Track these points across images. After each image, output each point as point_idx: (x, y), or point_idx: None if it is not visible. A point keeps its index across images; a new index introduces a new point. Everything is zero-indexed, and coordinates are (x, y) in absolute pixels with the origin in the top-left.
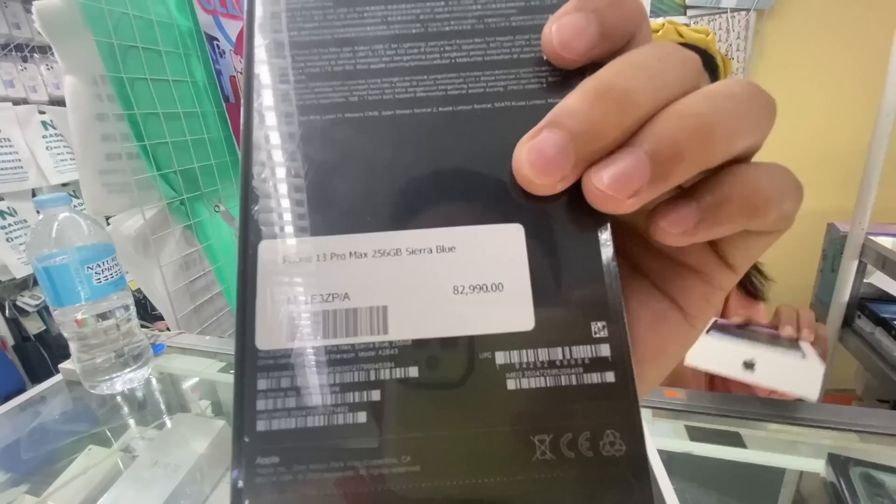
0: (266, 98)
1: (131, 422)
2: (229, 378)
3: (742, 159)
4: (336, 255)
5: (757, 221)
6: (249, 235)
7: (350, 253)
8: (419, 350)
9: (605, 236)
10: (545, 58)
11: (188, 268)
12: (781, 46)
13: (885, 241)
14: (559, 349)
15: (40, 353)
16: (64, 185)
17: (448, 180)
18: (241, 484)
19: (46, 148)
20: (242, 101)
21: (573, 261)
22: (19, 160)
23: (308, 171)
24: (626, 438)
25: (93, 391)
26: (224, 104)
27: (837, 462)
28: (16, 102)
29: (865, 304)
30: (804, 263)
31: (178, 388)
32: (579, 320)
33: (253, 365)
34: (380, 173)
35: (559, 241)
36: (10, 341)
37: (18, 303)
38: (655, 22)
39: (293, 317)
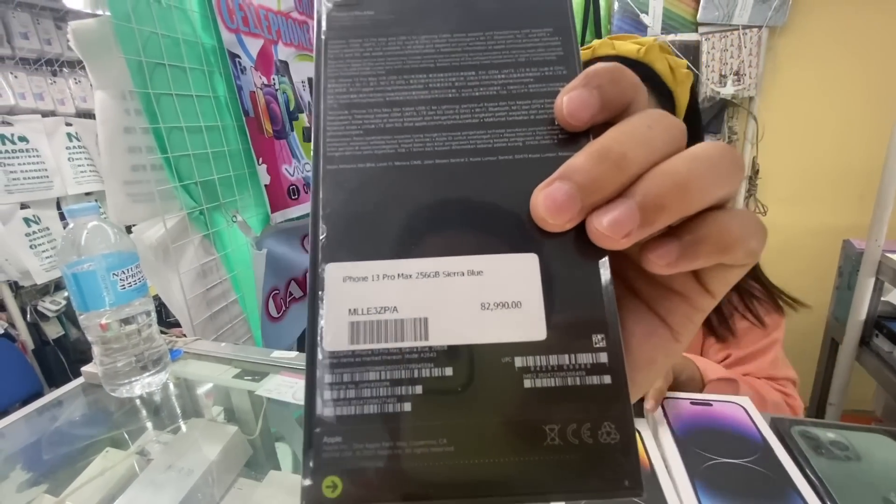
0: (331, 148)
1: (148, 425)
2: (243, 384)
3: (717, 206)
4: (387, 275)
5: (728, 257)
6: (318, 258)
7: (398, 274)
8: (453, 354)
9: (604, 265)
10: (556, 120)
11: (205, 276)
12: (794, 63)
13: None
14: (566, 356)
15: (58, 358)
16: (87, 194)
17: (477, 217)
18: (311, 462)
19: (69, 159)
20: (312, 148)
21: (578, 284)
22: (45, 170)
23: (364, 207)
24: (619, 430)
25: (113, 394)
26: (244, 118)
27: (781, 423)
28: (44, 114)
29: (883, 322)
30: (820, 280)
31: (193, 394)
32: (582, 333)
33: (322, 363)
34: (421, 210)
35: (566, 268)
36: (31, 345)
37: (39, 308)
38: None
39: (353, 324)
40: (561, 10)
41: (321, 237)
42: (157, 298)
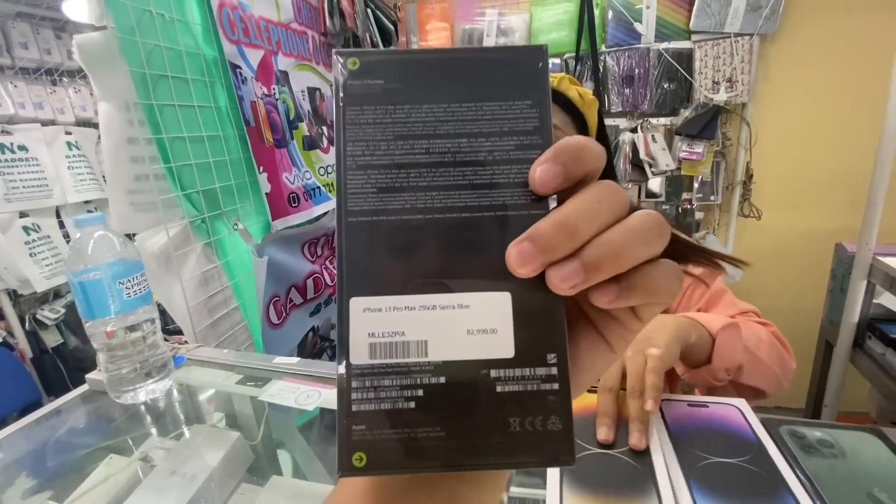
0: (351, 203)
1: (152, 431)
2: (246, 390)
3: (647, 261)
4: (396, 308)
5: (653, 298)
6: (343, 293)
7: (405, 307)
8: (446, 367)
9: (558, 303)
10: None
11: (207, 283)
12: (785, 70)
13: (893, 262)
14: (528, 369)
15: (57, 366)
16: (87, 202)
17: (465, 262)
18: (344, 442)
19: (69, 167)
20: (336, 201)
21: (538, 317)
22: (45, 178)
23: (378, 252)
24: (562, 421)
25: (118, 400)
26: (245, 128)
27: (770, 424)
28: (44, 124)
29: (876, 324)
30: (814, 283)
31: (195, 400)
32: (540, 352)
33: (349, 373)
34: (422, 256)
35: (530, 304)
36: (29, 354)
37: (38, 316)
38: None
39: (372, 345)
40: (540, 84)
41: (345, 278)
42: (158, 306)
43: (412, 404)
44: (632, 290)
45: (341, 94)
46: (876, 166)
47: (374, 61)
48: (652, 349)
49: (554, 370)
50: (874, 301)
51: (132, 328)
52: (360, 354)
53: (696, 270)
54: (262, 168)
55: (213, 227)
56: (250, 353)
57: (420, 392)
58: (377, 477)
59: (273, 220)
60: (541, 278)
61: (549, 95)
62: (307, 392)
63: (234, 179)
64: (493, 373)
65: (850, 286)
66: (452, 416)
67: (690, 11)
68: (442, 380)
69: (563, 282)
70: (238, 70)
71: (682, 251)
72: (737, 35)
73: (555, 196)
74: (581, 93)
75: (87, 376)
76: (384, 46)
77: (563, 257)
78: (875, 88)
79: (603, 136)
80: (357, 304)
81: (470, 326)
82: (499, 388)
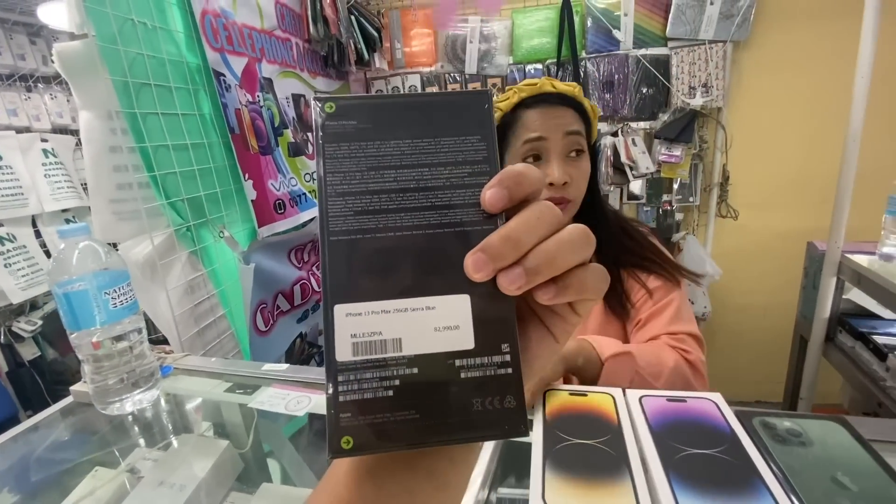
0: (332, 224)
1: (140, 442)
2: (235, 398)
3: (579, 265)
4: (374, 311)
5: (584, 295)
6: (328, 301)
7: (381, 310)
8: (417, 360)
9: (509, 302)
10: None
11: (193, 292)
12: (757, 75)
13: (861, 259)
14: (486, 357)
15: (34, 380)
16: (64, 210)
17: (430, 271)
18: (333, 428)
19: (45, 175)
20: (319, 223)
21: (492, 313)
22: (20, 187)
23: (357, 266)
24: (516, 399)
25: (104, 412)
26: (230, 135)
27: (744, 416)
28: (19, 131)
29: (846, 319)
30: (788, 280)
31: (183, 409)
32: (495, 343)
33: (335, 369)
34: (395, 267)
35: (486, 304)
36: (4, 367)
37: (14, 328)
38: (532, 79)
39: (354, 343)
40: (486, 122)
41: (329, 286)
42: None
43: (390, 392)
44: (566, 288)
45: (320, 133)
46: (842, 169)
47: (347, 105)
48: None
49: (507, 357)
50: (844, 297)
51: (118, 338)
52: (344, 352)
53: (656, 282)
54: (247, 175)
55: (199, 235)
56: (238, 361)
57: (396, 382)
58: (362, 458)
59: (259, 226)
60: (493, 282)
61: (494, 131)
62: (297, 398)
63: (219, 187)
64: (458, 362)
65: (821, 283)
66: (425, 401)
67: (666, 19)
68: (415, 370)
69: (510, 284)
70: (222, 78)
71: (647, 265)
72: (711, 42)
73: (503, 214)
74: (591, 106)
75: (72, 388)
76: (368, 53)
77: (509, 264)
78: (840, 93)
79: (595, 150)
80: (340, 310)
81: (437, 324)
82: (462, 375)
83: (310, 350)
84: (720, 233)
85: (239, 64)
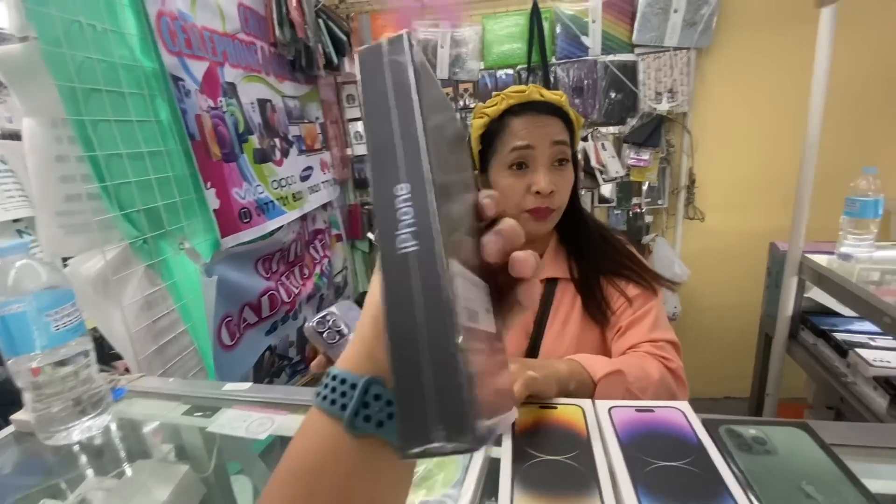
0: (435, 176)
1: (89, 472)
2: (193, 421)
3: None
4: (465, 277)
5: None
6: (443, 251)
7: (462, 278)
8: (481, 335)
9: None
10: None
11: (150, 307)
12: (720, 81)
13: (821, 259)
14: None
15: None
16: (15, 221)
17: (472, 255)
18: (465, 409)
19: None
20: (409, 166)
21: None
22: None
23: (445, 216)
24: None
25: (47, 442)
26: (189, 142)
27: (710, 424)
28: None
29: (808, 317)
30: (753, 280)
31: (138, 434)
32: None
33: (463, 335)
34: (462, 234)
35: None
36: None
37: None
38: (520, 87)
39: (464, 309)
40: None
41: (440, 232)
42: (95, 332)
43: (475, 370)
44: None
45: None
46: (801, 172)
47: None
48: (531, 371)
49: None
50: (805, 295)
51: (62, 363)
52: (462, 316)
53: (635, 290)
54: (209, 184)
55: (157, 247)
56: (198, 381)
57: (478, 358)
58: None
59: (222, 237)
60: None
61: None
62: (259, 420)
63: (179, 196)
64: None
65: (783, 283)
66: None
67: (633, 26)
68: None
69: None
70: (180, 82)
71: (626, 273)
72: (675, 49)
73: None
74: (576, 115)
75: (13, 417)
76: (337, 57)
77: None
78: (799, 97)
79: (575, 156)
80: (454, 266)
81: (485, 306)
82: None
83: (280, 363)
84: (688, 234)
85: (199, 68)
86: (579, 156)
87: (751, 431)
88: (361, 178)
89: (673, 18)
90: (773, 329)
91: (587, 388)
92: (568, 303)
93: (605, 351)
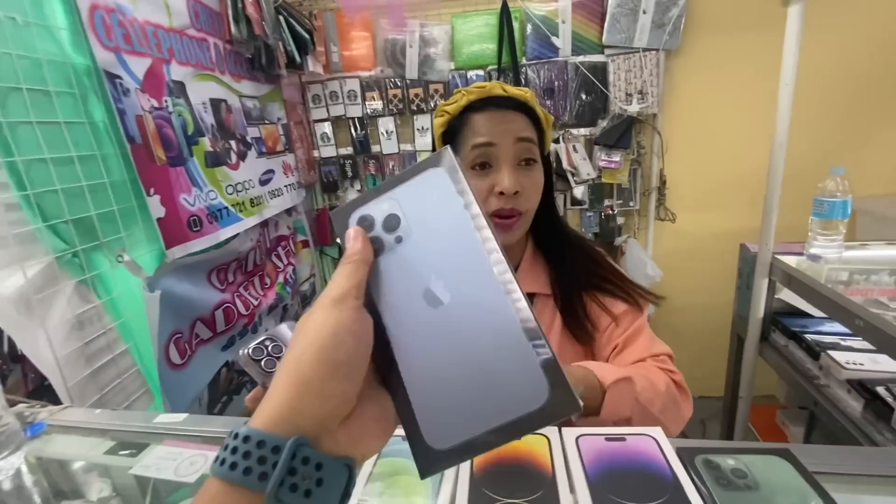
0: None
1: None
2: (115, 461)
3: None
4: None
5: None
6: None
7: None
8: None
9: None
10: None
11: (83, 327)
12: (688, 82)
13: (790, 260)
14: None
15: None
16: None
17: None
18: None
19: None
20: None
21: None
22: None
23: None
24: None
25: None
26: (129, 145)
27: (685, 454)
28: None
29: (778, 318)
30: (725, 281)
31: (54, 477)
32: None
33: None
34: None
35: None
36: None
37: None
38: (481, 83)
39: None
40: None
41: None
42: (20, 358)
43: None
44: None
45: None
46: (769, 174)
47: None
48: None
49: None
50: (776, 296)
51: None
52: None
53: (622, 307)
54: (152, 190)
55: (90, 261)
56: (128, 413)
57: None
58: None
59: (168, 247)
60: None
61: None
62: (191, 458)
63: (116, 204)
64: None
65: (753, 284)
66: None
67: (602, 27)
68: None
69: None
70: (118, 80)
71: (610, 288)
72: (645, 50)
73: None
74: (544, 113)
75: None
76: (300, 55)
77: None
78: (766, 98)
79: (548, 157)
80: None
81: None
82: None
83: (239, 379)
84: (660, 235)
85: (140, 65)
86: (551, 158)
87: (729, 462)
88: (330, 181)
89: (642, 20)
90: (745, 330)
91: (596, 395)
92: (546, 320)
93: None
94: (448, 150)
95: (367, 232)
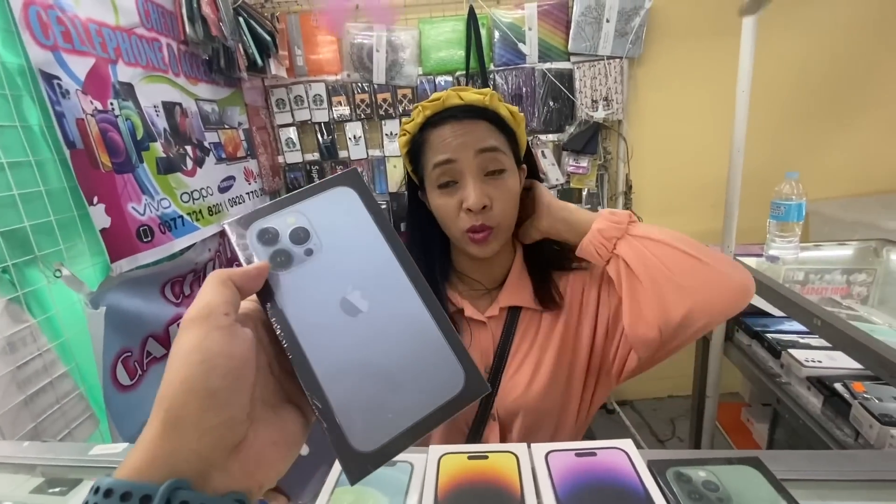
0: None
1: None
2: (47, 502)
3: None
4: None
5: None
6: None
7: None
8: None
9: None
10: None
11: (14, 350)
12: (651, 89)
13: (750, 262)
14: None
15: None
16: None
17: None
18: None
19: None
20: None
21: None
22: None
23: None
24: None
25: None
26: (68, 151)
27: (657, 467)
28: None
29: (742, 318)
30: None
31: None
32: None
33: None
34: None
35: None
36: None
37: None
38: (437, 93)
39: None
40: None
41: None
42: None
43: None
44: None
45: None
46: (729, 178)
47: None
48: None
49: None
50: None
51: None
52: None
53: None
54: (95, 198)
55: (23, 276)
56: (61, 445)
57: None
58: None
59: (113, 260)
60: None
61: None
62: None
63: (53, 215)
64: None
65: None
66: None
67: (568, 35)
68: None
69: None
70: (56, 81)
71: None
72: (609, 58)
73: None
74: (511, 111)
75: None
76: (261, 58)
77: None
78: (725, 104)
79: (529, 154)
80: None
81: None
82: None
83: None
84: None
85: (82, 65)
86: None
87: (700, 475)
88: (296, 188)
89: (605, 28)
90: (710, 331)
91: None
92: (532, 334)
93: (578, 389)
94: (356, 170)
95: (269, 245)
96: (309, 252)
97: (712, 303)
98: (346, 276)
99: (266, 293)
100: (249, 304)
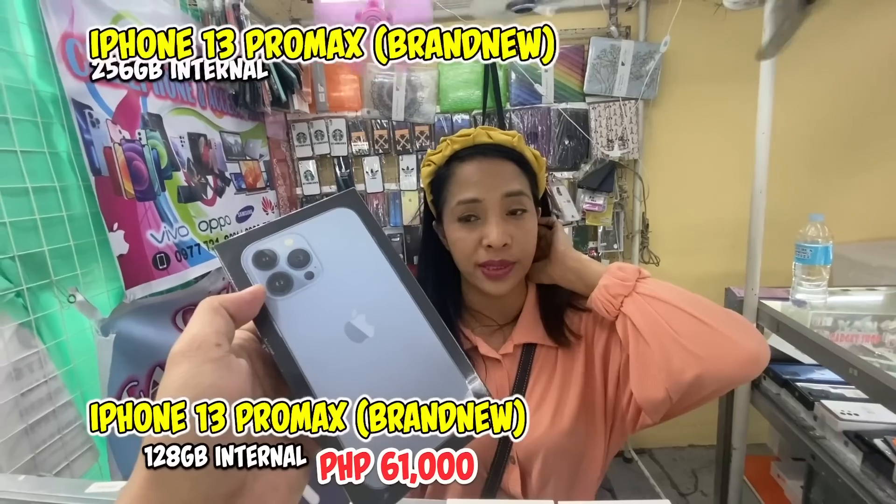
0: None
1: None
2: None
3: None
4: None
5: None
6: None
7: None
8: None
9: None
10: None
11: (20, 377)
12: (667, 130)
13: (776, 305)
14: None
15: None
16: None
17: None
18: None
19: None
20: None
21: None
22: None
23: None
24: None
25: None
26: (93, 177)
27: None
28: None
29: (769, 365)
30: None
31: None
32: None
33: None
34: None
35: None
36: None
37: None
38: (466, 129)
39: None
40: None
41: None
42: None
43: None
44: None
45: None
46: (751, 221)
47: None
48: None
49: None
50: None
51: None
52: None
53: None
54: (115, 225)
55: (37, 300)
56: (57, 481)
57: None
58: None
59: (128, 287)
60: None
61: None
62: None
63: (73, 240)
64: None
65: None
66: None
67: (583, 77)
68: None
69: None
70: (87, 111)
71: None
72: (624, 99)
73: None
74: (535, 154)
75: None
76: (285, 94)
77: None
78: (742, 145)
79: (545, 197)
80: None
81: None
82: None
83: None
84: None
85: (113, 97)
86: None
87: None
88: None
89: (620, 71)
90: None
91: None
92: (549, 371)
93: (601, 429)
94: (354, 190)
95: (266, 268)
96: (310, 275)
97: (721, 369)
98: (349, 301)
99: (263, 320)
100: (244, 332)
